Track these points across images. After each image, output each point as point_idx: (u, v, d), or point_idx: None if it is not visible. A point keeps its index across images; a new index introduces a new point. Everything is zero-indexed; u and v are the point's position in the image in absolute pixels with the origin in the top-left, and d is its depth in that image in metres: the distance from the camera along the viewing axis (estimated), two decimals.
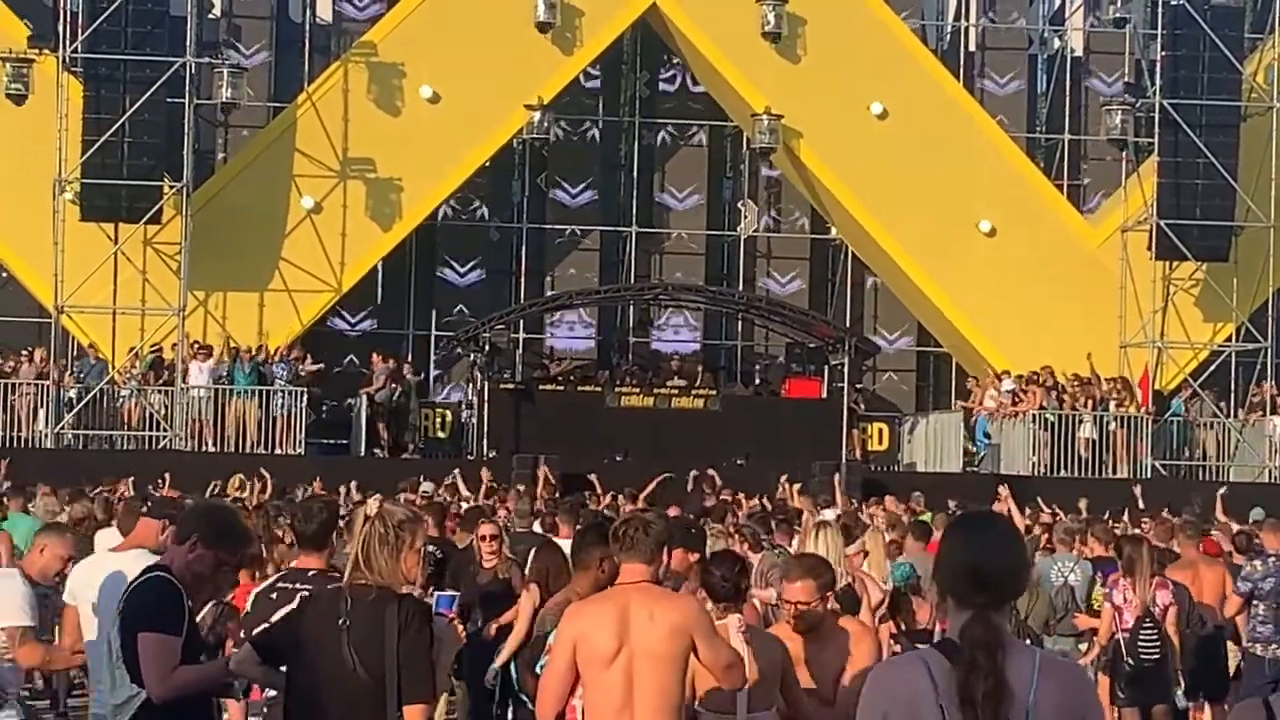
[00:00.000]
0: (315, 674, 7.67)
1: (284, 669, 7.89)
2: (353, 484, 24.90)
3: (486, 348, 35.57)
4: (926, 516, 21.05)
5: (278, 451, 32.96)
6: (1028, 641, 14.68)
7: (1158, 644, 14.96)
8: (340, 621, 7.58)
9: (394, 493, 22.35)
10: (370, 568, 7.66)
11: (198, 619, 8.64)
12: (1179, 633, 15.28)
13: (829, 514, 17.09)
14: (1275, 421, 36.35)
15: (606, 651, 7.97)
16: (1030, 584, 15.78)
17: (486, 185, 40.71)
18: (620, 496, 24.79)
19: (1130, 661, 14.99)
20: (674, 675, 8.02)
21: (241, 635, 9.04)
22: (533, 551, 13.33)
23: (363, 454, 34.61)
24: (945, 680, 5.16)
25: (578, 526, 14.00)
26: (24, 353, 34.96)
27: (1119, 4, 39.01)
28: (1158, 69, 36.61)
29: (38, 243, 34.44)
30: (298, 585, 9.22)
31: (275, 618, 8.78)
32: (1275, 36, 37.53)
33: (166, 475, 26.22)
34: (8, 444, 32.28)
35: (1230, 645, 16.16)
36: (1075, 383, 36.05)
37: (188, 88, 34.57)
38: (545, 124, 37.31)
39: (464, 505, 22.06)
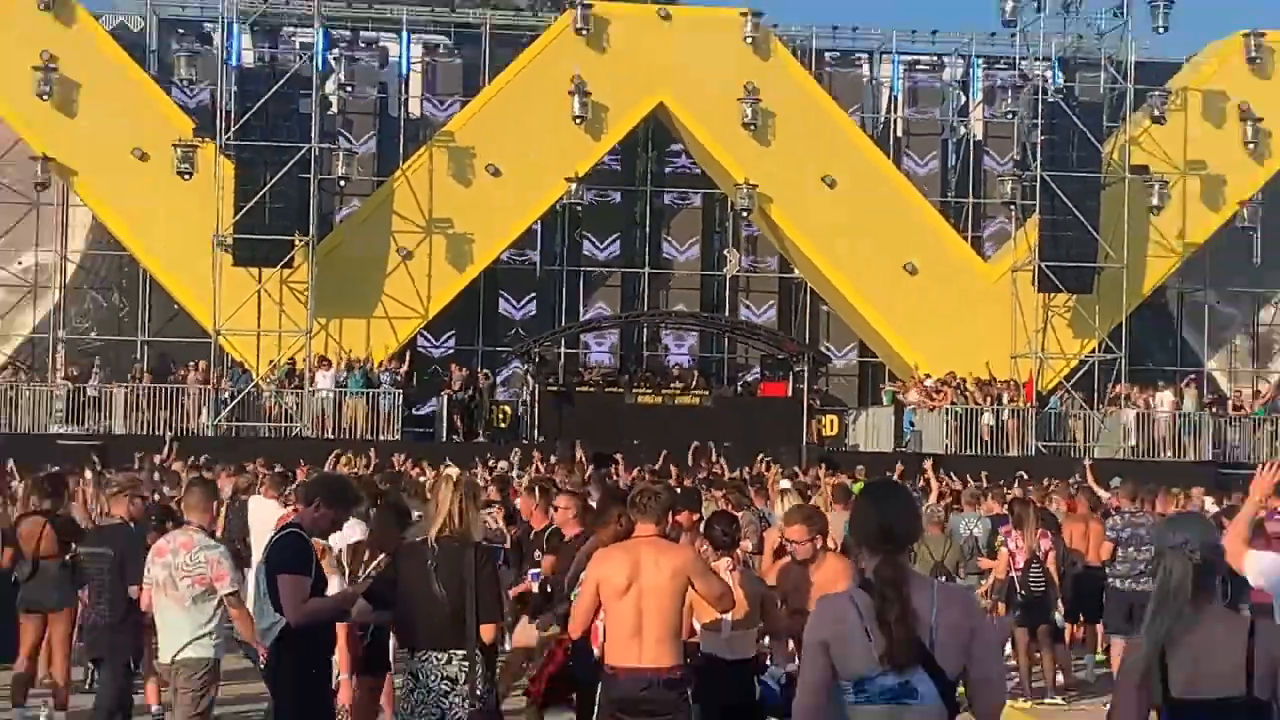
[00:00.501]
0: (412, 605, 7.71)
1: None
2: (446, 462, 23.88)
3: (537, 359, 35.62)
4: (858, 485, 20.87)
5: (381, 438, 32.94)
6: (943, 578, 14.73)
7: (1042, 580, 15.02)
8: (429, 564, 7.63)
9: (469, 468, 22.20)
10: (460, 521, 7.70)
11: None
12: (1058, 570, 15.34)
13: (785, 483, 17.05)
14: (1128, 413, 36.29)
15: (621, 587, 7.99)
16: (945, 535, 15.78)
17: (536, 238, 40.70)
18: (643, 470, 24.38)
19: (1021, 593, 15.05)
20: (674, 606, 8.04)
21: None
22: None
23: (444, 439, 34.60)
24: (868, 610, 5.12)
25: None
26: (191, 364, 35.07)
27: (1010, 100, 39.10)
28: (1038, 149, 36.53)
29: (201, 283, 34.55)
30: None
31: (371, 575, 8.91)
32: (1125, 125, 37.48)
33: (313, 463, 25.44)
34: (181, 434, 32.29)
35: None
36: (976, 384, 36.02)
37: (313, 166, 34.57)
38: (580, 192, 37.30)
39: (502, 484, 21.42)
